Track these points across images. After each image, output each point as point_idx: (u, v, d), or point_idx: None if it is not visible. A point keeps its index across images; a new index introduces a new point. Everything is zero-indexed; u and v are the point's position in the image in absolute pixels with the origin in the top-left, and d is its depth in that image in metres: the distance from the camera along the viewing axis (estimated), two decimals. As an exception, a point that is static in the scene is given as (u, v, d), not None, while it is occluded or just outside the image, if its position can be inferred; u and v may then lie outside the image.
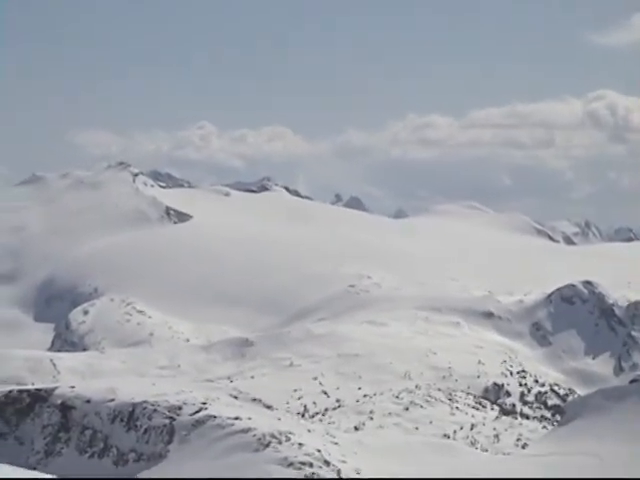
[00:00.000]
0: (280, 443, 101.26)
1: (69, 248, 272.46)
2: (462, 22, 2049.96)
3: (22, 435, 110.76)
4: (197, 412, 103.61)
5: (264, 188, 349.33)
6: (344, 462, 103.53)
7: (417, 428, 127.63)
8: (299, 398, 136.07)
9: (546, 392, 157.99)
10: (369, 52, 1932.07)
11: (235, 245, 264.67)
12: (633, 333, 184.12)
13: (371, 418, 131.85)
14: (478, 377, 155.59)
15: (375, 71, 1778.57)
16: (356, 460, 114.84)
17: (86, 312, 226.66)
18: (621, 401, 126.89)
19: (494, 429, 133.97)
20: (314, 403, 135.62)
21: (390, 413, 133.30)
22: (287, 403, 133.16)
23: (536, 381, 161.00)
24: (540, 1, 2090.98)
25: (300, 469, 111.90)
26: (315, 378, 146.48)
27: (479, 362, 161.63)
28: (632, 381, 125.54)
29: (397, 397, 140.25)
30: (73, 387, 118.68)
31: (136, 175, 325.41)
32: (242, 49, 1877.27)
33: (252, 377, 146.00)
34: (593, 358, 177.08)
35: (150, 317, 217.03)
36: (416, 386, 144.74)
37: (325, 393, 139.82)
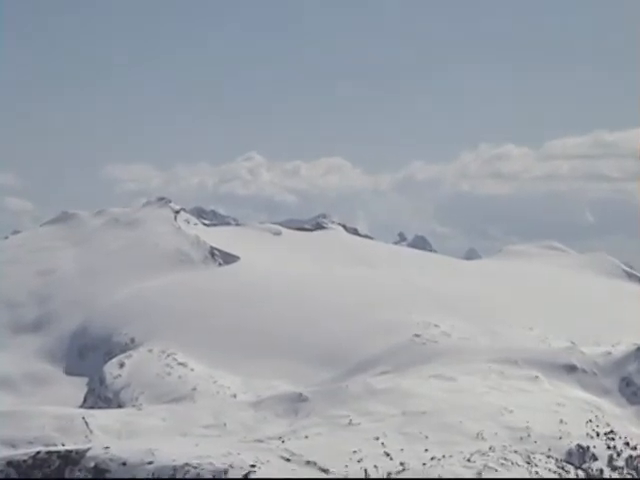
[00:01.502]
0: None
1: (103, 293, 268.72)
2: (540, 44, 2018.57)
3: None
4: (245, 476, 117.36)
5: (319, 226, 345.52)
6: None
7: None
8: (359, 461, 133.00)
9: (638, 456, 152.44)
10: (432, 76, 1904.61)
11: (287, 290, 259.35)
12: None
13: None
14: (560, 438, 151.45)
15: (441, 97, 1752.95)
16: None
17: (122, 364, 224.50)
18: None
19: None
20: (375, 467, 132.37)
21: (461, 478, 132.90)
22: (345, 467, 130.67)
23: (627, 444, 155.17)
24: (628, 17, 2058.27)
25: None
26: (377, 438, 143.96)
27: (561, 421, 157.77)
28: None
29: (469, 460, 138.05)
30: (107, 448, 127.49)
31: (178, 212, 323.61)
32: (294, 75, 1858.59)
33: (306, 437, 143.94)
34: None
35: (193, 370, 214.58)
36: (490, 448, 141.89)
37: (388, 455, 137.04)
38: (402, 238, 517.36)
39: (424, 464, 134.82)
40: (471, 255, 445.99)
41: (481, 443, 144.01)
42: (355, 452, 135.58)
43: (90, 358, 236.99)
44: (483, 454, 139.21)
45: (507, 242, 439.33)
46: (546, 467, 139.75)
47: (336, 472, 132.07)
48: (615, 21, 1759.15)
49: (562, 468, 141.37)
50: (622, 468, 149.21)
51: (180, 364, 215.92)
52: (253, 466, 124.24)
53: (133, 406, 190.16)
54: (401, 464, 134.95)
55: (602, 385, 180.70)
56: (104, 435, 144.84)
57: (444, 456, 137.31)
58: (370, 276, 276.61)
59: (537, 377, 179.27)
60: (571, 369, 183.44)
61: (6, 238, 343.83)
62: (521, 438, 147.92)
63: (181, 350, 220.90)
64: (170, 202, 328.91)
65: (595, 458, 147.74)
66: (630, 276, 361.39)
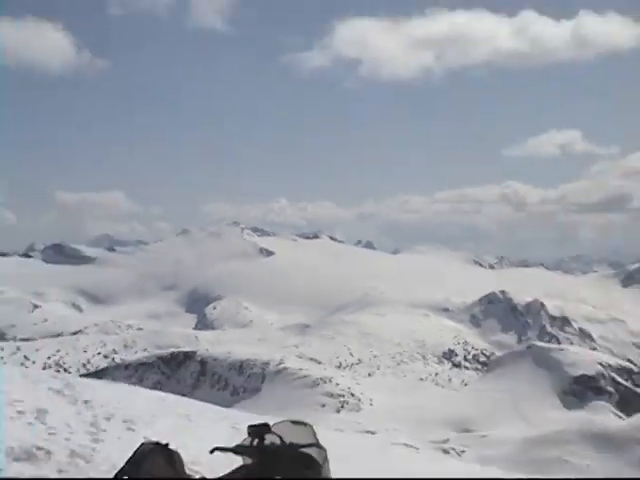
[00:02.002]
0: (325, 383, 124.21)
1: (204, 271, 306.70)
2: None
3: (179, 377, 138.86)
4: (278, 365, 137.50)
5: (316, 237, 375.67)
6: (362, 394, 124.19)
7: (405, 375, 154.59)
8: (337, 357, 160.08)
9: (478, 354, 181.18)
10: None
11: (300, 268, 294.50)
12: (528, 320, 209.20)
13: (378, 368, 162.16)
14: (440, 345, 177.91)
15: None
16: (370, 394, 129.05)
17: (215, 308, 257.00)
18: (521, 358, 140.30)
19: (448, 375, 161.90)
20: (345, 360, 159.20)
21: (389, 366, 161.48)
22: (330, 360, 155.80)
23: (473, 347, 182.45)
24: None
25: (337, 398, 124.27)
26: (345, 345, 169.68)
27: (440, 337, 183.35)
28: (527, 347, 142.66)
29: (393, 357, 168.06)
30: (207, 350, 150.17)
31: (243, 229, 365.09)
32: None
33: (309, 345, 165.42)
34: (506, 334, 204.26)
35: (251, 311, 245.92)
36: (404, 350, 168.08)
37: (352, 354, 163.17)
38: (360, 243, 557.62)
39: (370, 359, 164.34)
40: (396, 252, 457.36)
41: (398, 347, 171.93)
42: (335, 353, 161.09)
43: (199, 304, 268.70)
44: (401, 354, 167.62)
45: (426, 247, 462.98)
46: (432, 360, 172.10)
47: (325, 361, 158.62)
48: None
49: (440, 361, 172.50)
50: (471, 360, 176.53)
51: (245, 308, 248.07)
52: (282, 361, 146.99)
53: (221, 329, 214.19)
54: (358, 359, 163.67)
55: (461, 318, 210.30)
56: (206, 343, 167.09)
57: (381, 355, 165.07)
58: (348, 263, 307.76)
59: (428, 315, 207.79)
60: (445, 309, 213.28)
61: (146, 244, 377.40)
62: (419, 346, 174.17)
63: (245, 300, 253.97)
64: (239, 224, 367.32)
65: (457, 354, 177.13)
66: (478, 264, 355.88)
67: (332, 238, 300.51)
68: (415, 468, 15.95)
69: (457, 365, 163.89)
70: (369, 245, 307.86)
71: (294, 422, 6.15)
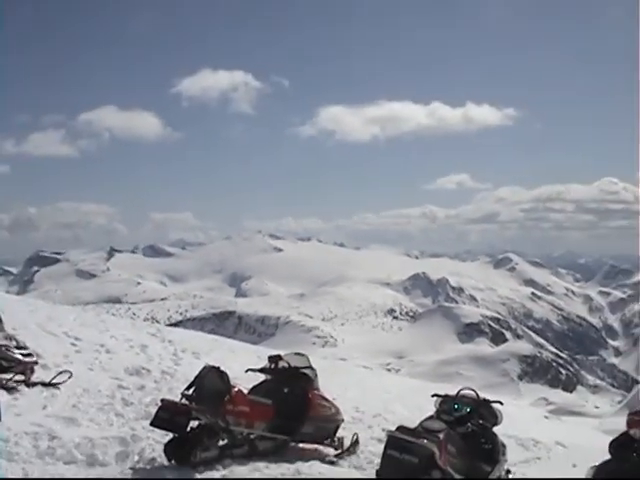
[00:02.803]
0: (315, 330, 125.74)
1: (240, 261, 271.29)
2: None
3: (225, 326, 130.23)
4: (286, 319, 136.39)
5: (309, 239, 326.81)
6: (338, 336, 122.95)
7: (364, 325, 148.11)
8: (322, 314, 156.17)
9: (409, 311, 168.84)
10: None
11: (299, 261, 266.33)
12: (438, 289, 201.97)
13: (347, 320, 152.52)
14: (385, 306, 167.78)
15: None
16: (342, 336, 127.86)
17: (246, 284, 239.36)
18: (435, 313, 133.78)
19: (390, 324, 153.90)
20: (327, 315, 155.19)
21: (354, 319, 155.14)
22: (318, 315, 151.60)
23: (405, 307, 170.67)
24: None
25: (322, 339, 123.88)
26: (327, 306, 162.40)
27: (385, 301, 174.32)
28: (438, 306, 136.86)
29: (356, 313, 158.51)
30: (242, 310, 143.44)
31: (264, 235, 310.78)
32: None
33: (305, 307, 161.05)
34: (425, 298, 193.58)
35: (268, 285, 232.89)
36: (363, 309, 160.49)
37: (331, 312, 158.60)
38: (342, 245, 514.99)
39: (342, 314, 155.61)
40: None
41: (360, 307, 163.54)
42: (320, 311, 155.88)
43: (237, 281, 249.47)
44: (361, 311, 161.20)
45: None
46: (381, 315, 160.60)
47: (315, 316, 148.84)
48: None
49: (386, 316, 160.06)
50: (403, 315, 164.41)
51: (265, 284, 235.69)
52: (288, 316, 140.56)
53: (251, 297, 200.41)
54: (335, 315, 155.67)
55: (398, 289, 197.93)
56: (241, 306, 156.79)
57: (348, 312, 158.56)
58: (329, 256, 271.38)
59: (378, 287, 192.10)
60: (388, 284, 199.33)
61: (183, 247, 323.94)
62: (372, 306, 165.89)
63: (265, 279, 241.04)
64: (262, 232, 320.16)
65: (395, 311, 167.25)
66: (408, 256, 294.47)
67: (319, 241, 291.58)
68: (370, 380, 16.33)
69: (396, 318, 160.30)
70: (342, 245, 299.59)
71: (296, 353, 7.01)
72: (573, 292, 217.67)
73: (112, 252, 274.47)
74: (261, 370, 6.54)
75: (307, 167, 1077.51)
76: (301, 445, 6.28)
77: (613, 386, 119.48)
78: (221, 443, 5.58)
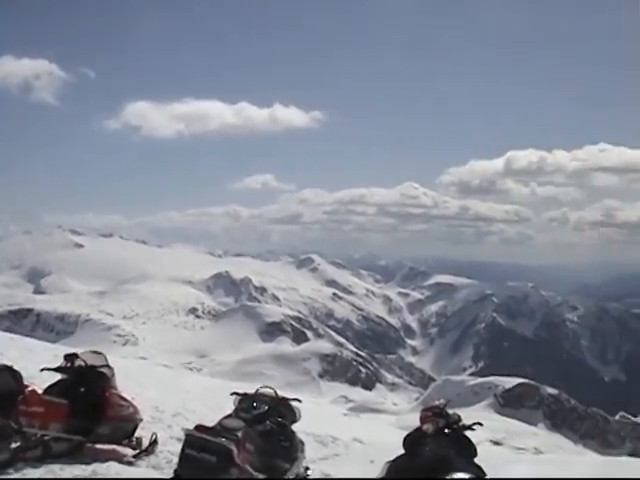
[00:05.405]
0: (116, 328, 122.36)
1: (39, 257, 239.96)
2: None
3: (22, 324, 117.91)
4: (86, 316, 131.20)
5: (111, 236, 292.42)
6: (139, 335, 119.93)
7: (166, 323, 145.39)
8: (123, 312, 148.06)
9: (211, 310, 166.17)
10: None
11: (102, 256, 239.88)
12: (241, 289, 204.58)
13: (149, 319, 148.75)
14: (187, 304, 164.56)
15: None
16: (144, 335, 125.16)
17: (46, 280, 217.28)
18: (237, 312, 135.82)
19: (192, 323, 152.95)
20: (128, 313, 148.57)
21: (156, 317, 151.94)
22: (119, 314, 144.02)
23: (207, 306, 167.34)
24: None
25: (123, 337, 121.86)
26: (128, 305, 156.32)
27: (187, 299, 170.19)
28: (241, 305, 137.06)
29: (158, 312, 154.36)
30: (41, 307, 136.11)
31: (68, 232, 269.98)
32: None
33: (106, 304, 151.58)
34: (228, 297, 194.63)
35: (69, 282, 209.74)
36: (165, 308, 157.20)
37: (132, 310, 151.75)
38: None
39: (144, 312, 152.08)
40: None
41: (161, 306, 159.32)
42: (122, 309, 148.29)
43: (36, 277, 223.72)
44: (163, 309, 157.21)
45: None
46: (182, 314, 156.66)
47: (116, 314, 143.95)
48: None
49: (187, 314, 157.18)
50: (206, 314, 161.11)
51: (65, 281, 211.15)
52: (88, 314, 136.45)
53: (50, 294, 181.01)
54: (137, 313, 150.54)
55: (200, 288, 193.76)
56: (40, 303, 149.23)
57: (150, 310, 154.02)
58: (132, 253, 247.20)
59: (180, 286, 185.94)
60: (190, 282, 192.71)
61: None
62: (174, 304, 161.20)
63: (65, 276, 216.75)
64: (60, 226, 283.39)
65: (197, 310, 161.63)
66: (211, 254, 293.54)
67: (121, 237, 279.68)
68: (170, 379, 16.05)
69: (198, 317, 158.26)
70: (144, 242, 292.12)
71: (93, 352, 6.95)
72: (373, 293, 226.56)
73: None
74: (56, 369, 6.36)
75: (111, 162, 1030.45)
76: (98, 446, 6.16)
77: (411, 384, 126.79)
78: (13, 445, 5.40)
